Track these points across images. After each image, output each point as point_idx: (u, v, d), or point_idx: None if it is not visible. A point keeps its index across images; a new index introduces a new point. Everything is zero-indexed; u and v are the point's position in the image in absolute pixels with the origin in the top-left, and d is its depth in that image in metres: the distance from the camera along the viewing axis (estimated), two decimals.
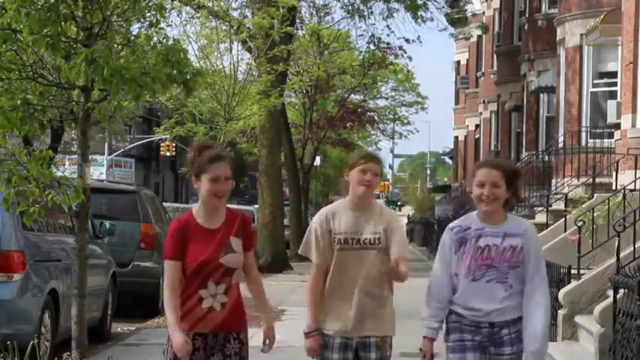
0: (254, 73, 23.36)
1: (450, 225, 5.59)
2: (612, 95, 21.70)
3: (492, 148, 40.26)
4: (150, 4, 7.70)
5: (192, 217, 5.40)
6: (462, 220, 5.59)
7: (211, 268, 5.29)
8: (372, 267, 5.61)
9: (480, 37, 45.14)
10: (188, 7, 22.68)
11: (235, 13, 25.79)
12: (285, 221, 31.00)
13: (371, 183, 5.66)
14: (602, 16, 19.84)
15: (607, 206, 13.46)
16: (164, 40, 7.51)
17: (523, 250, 5.42)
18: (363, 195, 5.66)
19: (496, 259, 5.39)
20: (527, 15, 30.17)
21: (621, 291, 8.88)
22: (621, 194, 13.49)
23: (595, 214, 13.43)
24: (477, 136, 48.78)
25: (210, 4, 23.67)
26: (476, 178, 5.45)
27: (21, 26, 7.21)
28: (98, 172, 48.38)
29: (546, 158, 24.01)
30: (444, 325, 5.55)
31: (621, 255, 10.44)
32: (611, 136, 19.53)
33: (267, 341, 5.47)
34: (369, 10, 31.71)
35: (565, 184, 20.25)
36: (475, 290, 5.40)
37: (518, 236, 5.43)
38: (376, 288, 5.65)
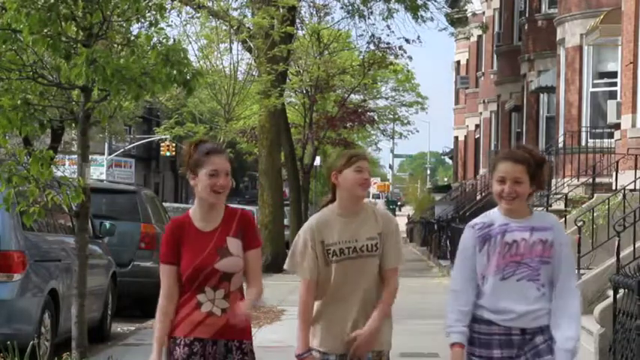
0: (254, 73, 23.35)
1: (471, 222, 5.10)
2: (612, 95, 21.71)
3: (492, 148, 40.25)
4: (150, 4, 7.71)
5: (188, 218, 5.03)
6: (483, 216, 5.09)
7: (206, 274, 4.93)
8: (371, 277, 5.24)
9: (480, 37, 45.17)
10: (188, 7, 22.67)
11: (235, 13, 25.83)
12: (285, 221, 30.99)
13: (368, 181, 5.30)
14: (602, 16, 19.85)
15: (607, 206, 13.47)
16: (164, 40, 7.51)
17: (554, 245, 4.95)
18: (362, 195, 5.28)
19: (526, 254, 4.91)
20: (527, 15, 30.20)
21: (621, 291, 8.88)
22: (621, 194, 13.50)
23: (595, 214, 13.45)
24: (477, 136, 48.79)
25: (210, 4, 23.68)
26: (496, 173, 4.93)
27: (21, 26, 7.21)
28: (98, 172, 48.32)
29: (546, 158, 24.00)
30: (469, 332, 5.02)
31: (621, 255, 10.44)
32: (611, 136, 19.54)
33: (234, 312, 4.90)
34: (369, 10, 31.70)
35: (565, 184, 20.26)
36: (505, 290, 4.91)
37: (548, 230, 4.96)
38: (375, 301, 5.25)
